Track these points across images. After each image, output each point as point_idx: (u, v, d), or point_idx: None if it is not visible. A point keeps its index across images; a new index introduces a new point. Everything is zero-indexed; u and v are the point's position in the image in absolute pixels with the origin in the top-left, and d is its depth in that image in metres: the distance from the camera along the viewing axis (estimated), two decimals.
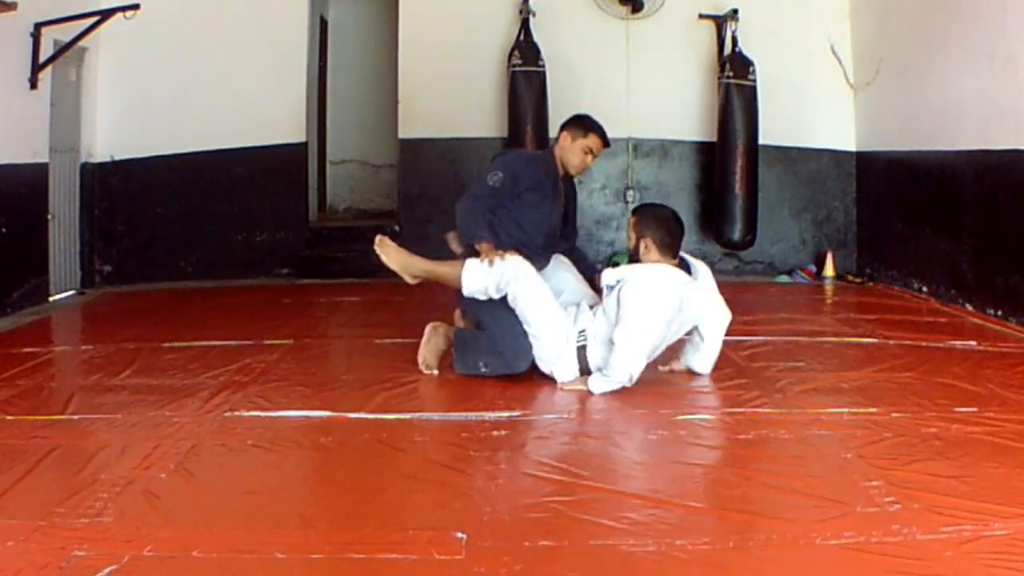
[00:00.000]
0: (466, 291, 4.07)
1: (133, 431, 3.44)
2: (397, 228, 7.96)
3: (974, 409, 3.66)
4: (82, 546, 2.41)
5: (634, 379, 3.90)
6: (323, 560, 2.39)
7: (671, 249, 4.02)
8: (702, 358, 4.21)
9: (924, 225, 6.69)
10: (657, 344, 4.00)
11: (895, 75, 7.04)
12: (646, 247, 4.00)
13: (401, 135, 7.97)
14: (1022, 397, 3.86)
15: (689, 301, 3.99)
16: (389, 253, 4.15)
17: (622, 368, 3.86)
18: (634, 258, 4.06)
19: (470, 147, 7.78)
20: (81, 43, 6.62)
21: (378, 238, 4.16)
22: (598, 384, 3.92)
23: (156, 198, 7.67)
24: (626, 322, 3.84)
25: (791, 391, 3.96)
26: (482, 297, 4.06)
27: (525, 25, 7.45)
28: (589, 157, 4.37)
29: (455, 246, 4.41)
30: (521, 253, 4.10)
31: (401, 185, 8.15)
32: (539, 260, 4.24)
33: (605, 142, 4.41)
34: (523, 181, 4.27)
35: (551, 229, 4.43)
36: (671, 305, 3.92)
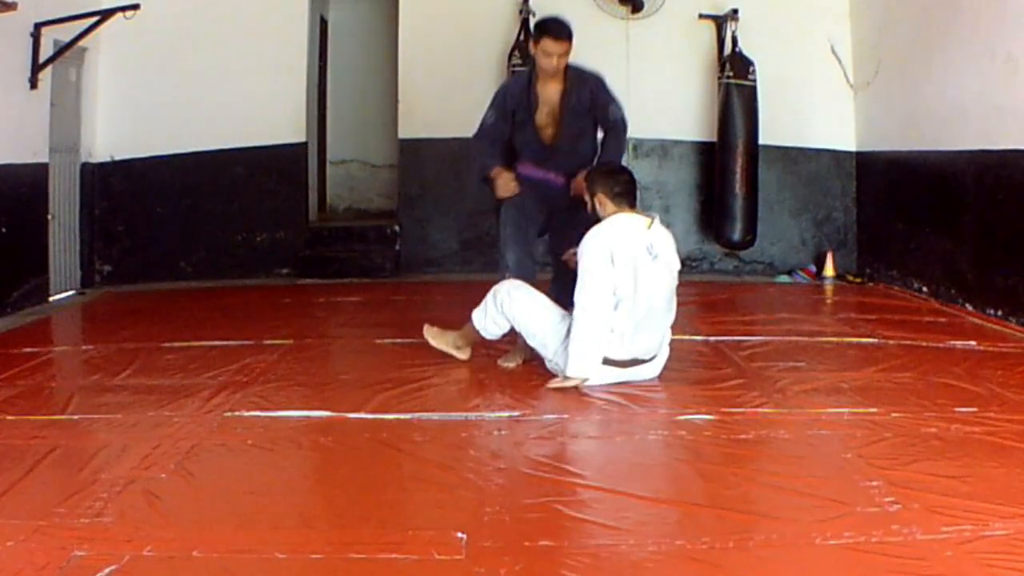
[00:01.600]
0: (485, 334, 4.31)
1: (133, 431, 3.44)
2: (397, 228, 7.97)
3: (974, 409, 3.66)
4: (82, 546, 2.41)
5: (598, 337, 3.91)
6: (323, 560, 2.39)
7: (623, 197, 4.08)
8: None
9: (924, 225, 6.69)
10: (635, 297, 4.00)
11: (895, 75, 7.04)
12: (600, 203, 4.09)
13: (401, 135, 7.96)
14: (1022, 397, 3.86)
15: (660, 246, 4.02)
16: (434, 337, 4.53)
17: (579, 322, 3.91)
18: (596, 221, 4.12)
19: (470, 147, 7.75)
20: (81, 43, 6.61)
21: (425, 327, 4.56)
22: (571, 364, 3.96)
23: (156, 198, 7.67)
24: (580, 276, 3.95)
25: (791, 391, 3.96)
26: (499, 332, 4.28)
27: (525, 25, 7.44)
28: (553, 59, 4.35)
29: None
30: (540, 166, 4.47)
31: (401, 185, 8.15)
32: (562, 165, 4.41)
33: (554, 36, 4.33)
34: (509, 106, 4.53)
35: (545, 142, 4.54)
36: (624, 250, 3.94)
